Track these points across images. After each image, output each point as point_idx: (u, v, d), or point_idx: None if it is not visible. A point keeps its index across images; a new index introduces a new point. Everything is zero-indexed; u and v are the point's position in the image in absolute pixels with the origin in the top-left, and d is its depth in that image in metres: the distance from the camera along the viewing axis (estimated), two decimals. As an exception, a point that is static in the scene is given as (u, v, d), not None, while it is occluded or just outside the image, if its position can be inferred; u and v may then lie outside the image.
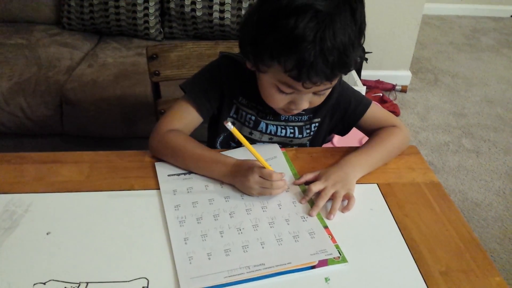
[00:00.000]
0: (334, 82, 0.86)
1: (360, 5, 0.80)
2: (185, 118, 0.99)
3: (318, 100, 0.91)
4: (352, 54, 0.79)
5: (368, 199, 0.89)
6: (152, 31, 2.12)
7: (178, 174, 0.93)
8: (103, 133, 1.80)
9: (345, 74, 0.85)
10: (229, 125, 0.82)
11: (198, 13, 2.04)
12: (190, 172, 0.94)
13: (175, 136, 0.95)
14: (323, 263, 0.75)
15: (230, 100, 1.02)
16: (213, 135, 1.09)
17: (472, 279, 0.74)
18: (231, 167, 0.90)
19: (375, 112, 1.03)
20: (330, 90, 0.90)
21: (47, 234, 0.79)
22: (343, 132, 1.09)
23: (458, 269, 0.76)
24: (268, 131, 1.03)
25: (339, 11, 0.77)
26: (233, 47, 1.40)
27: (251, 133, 1.04)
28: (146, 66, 1.89)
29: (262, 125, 1.02)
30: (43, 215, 0.83)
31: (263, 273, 0.73)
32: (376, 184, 0.94)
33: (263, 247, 0.78)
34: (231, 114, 1.04)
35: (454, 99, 2.88)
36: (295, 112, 0.93)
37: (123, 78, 1.80)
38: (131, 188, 0.90)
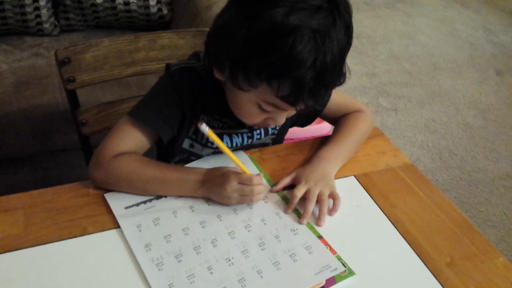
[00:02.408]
0: None
1: (351, 18, 0.73)
2: (134, 138, 0.84)
3: (294, 112, 0.82)
4: (343, 70, 0.75)
5: (350, 194, 0.84)
6: (46, 25, 1.85)
7: (137, 204, 0.80)
8: (11, 153, 1.55)
9: None
10: (204, 127, 0.72)
11: (99, 0, 1.81)
12: (150, 200, 0.80)
13: (126, 160, 0.81)
14: (331, 281, 0.68)
15: (190, 120, 0.89)
16: (166, 158, 0.95)
17: (478, 265, 0.72)
18: (202, 178, 0.79)
19: (338, 99, 0.96)
20: None
21: (-7, 315, 0.63)
22: (304, 124, 1.01)
23: (462, 257, 0.73)
24: (234, 144, 0.92)
25: (335, 29, 0.69)
26: (157, 39, 1.24)
27: (214, 153, 0.93)
28: (48, 69, 1.67)
29: (226, 140, 0.91)
30: (-20, 289, 0.66)
31: (271, 309, 0.64)
32: (353, 176, 0.88)
33: (261, 276, 0.68)
34: (189, 135, 0.91)
35: (364, 60, 2.94)
36: (271, 126, 0.84)
37: (25, 87, 1.55)
38: (84, 233, 0.75)
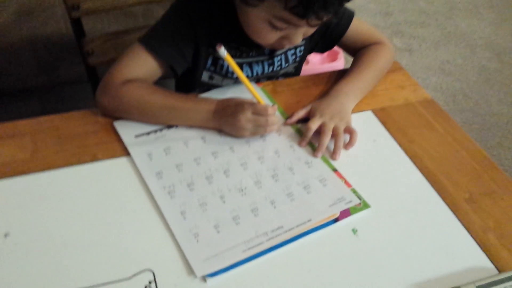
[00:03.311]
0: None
1: None
2: (144, 66, 0.80)
3: (312, 31, 0.77)
4: None
5: (367, 129, 0.81)
6: (46, -48, 1.76)
7: (148, 133, 0.77)
8: (18, 85, 1.52)
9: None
10: (222, 50, 0.68)
11: None
12: (161, 129, 0.78)
13: (135, 87, 0.77)
14: (345, 213, 0.67)
15: (205, 50, 0.84)
16: (184, 92, 0.91)
17: (498, 202, 0.70)
18: (214, 108, 0.76)
19: (359, 26, 0.91)
20: None
21: (5, 236, 0.62)
22: (324, 50, 0.96)
23: (481, 193, 0.71)
24: (255, 74, 0.89)
25: None
26: (165, -35, 1.18)
27: (235, 83, 0.89)
28: (51, -2, 1.60)
29: (246, 70, 0.87)
30: (-10, 213, 0.65)
31: (284, 238, 0.63)
32: (370, 111, 0.85)
33: (274, 207, 0.67)
34: (207, 67, 0.87)
35: (378, -2, 2.82)
36: (287, 47, 0.80)
37: (28, 17, 1.49)
38: (94, 159, 0.73)
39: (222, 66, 0.86)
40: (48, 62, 1.47)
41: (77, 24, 1.20)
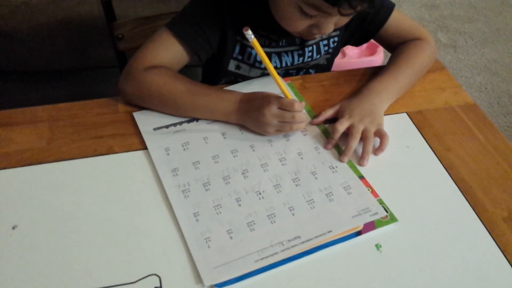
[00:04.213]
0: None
1: None
2: (169, 51, 0.77)
3: (344, 21, 0.71)
4: None
5: (400, 133, 0.75)
6: None
7: (167, 126, 0.74)
8: (48, 67, 1.52)
9: None
10: (249, 34, 0.65)
11: None
12: (181, 122, 0.75)
13: (159, 74, 0.74)
14: (369, 226, 0.61)
15: (233, 36, 0.81)
16: (210, 81, 0.88)
17: (541, 223, 0.63)
18: (239, 101, 0.72)
19: (399, 19, 0.84)
20: None
21: (13, 228, 0.61)
22: (358, 42, 0.90)
23: (523, 213, 0.64)
24: (284, 64, 0.84)
25: None
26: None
27: (263, 74, 0.85)
28: (87, -21, 1.60)
29: (275, 60, 0.83)
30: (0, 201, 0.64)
31: (301, 249, 0.59)
32: (405, 113, 0.79)
33: (293, 214, 0.63)
34: (234, 56, 0.83)
35: (424, -11, 2.69)
36: (317, 37, 0.75)
37: (62, -3, 1.49)
38: (110, 151, 0.71)
39: (250, 54, 0.82)
40: (80, 45, 1.47)
41: (108, 7, 1.17)
